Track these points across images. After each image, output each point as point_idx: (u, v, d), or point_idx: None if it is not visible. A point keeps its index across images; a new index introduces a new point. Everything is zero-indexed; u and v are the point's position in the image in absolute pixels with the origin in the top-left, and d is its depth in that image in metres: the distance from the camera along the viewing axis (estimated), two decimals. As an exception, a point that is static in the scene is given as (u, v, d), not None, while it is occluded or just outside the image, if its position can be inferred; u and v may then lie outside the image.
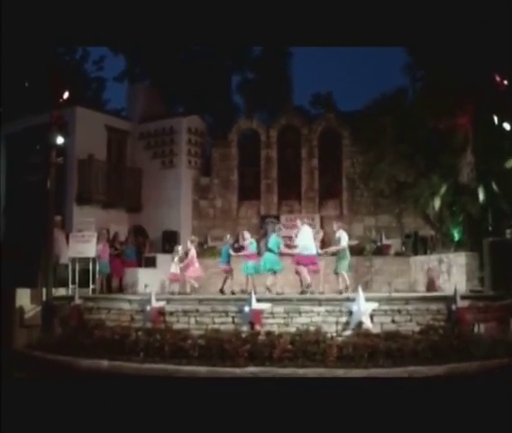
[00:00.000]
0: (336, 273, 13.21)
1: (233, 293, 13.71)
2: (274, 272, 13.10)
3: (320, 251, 13.48)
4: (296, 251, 13.12)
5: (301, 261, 12.85)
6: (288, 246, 13.70)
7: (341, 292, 12.53)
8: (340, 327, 9.76)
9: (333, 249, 13.56)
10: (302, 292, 12.47)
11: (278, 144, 19.58)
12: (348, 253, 13.32)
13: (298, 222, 13.70)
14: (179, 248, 14.82)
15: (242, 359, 8.97)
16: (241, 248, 15.01)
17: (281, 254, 13.32)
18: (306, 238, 12.97)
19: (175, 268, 14.31)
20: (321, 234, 14.44)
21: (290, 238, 14.05)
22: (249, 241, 14.25)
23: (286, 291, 13.37)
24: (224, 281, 14.38)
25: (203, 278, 14.86)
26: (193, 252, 14.40)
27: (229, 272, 14.41)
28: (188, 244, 14.78)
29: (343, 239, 13.20)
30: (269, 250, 13.24)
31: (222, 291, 14.10)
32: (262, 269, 13.24)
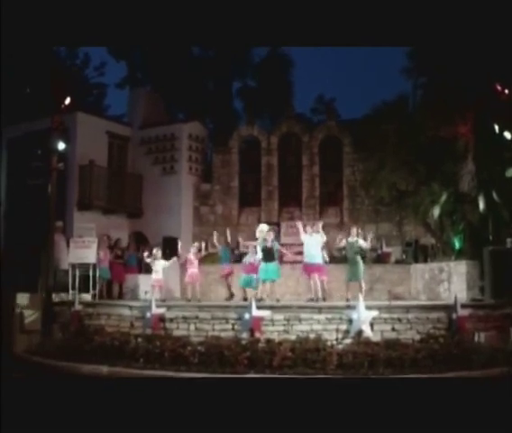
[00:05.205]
0: (355, 280, 12.90)
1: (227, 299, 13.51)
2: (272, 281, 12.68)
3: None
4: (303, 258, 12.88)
5: (307, 269, 12.71)
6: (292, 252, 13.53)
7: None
8: (340, 335, 9.76)
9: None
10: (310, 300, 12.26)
11: (279, 151, 19.58)
12: (361, 260, 13.20)
13: (308, 228, 13.06)
14: (160, 253, 14.06)
15: (241, 366, 8.97)
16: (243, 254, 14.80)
17: (285, 262, 13.04)
18: (311, 246, 12.67)
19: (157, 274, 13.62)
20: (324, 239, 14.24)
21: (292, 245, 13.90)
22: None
23: (286, 299, 13.35)
24: (229, 287, 14.17)
25: (202, 283, 14.75)
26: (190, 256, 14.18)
27: (230, 275, 14.11)
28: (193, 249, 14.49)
29: (364, 244, 13.05)
30: (268, 259, 12.57)
31: (230, 297, 13.81)
32: (261, 279, 12.67)
